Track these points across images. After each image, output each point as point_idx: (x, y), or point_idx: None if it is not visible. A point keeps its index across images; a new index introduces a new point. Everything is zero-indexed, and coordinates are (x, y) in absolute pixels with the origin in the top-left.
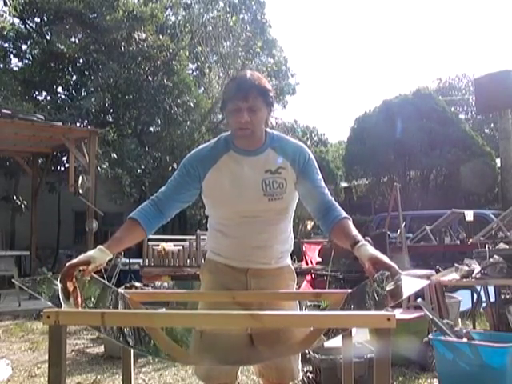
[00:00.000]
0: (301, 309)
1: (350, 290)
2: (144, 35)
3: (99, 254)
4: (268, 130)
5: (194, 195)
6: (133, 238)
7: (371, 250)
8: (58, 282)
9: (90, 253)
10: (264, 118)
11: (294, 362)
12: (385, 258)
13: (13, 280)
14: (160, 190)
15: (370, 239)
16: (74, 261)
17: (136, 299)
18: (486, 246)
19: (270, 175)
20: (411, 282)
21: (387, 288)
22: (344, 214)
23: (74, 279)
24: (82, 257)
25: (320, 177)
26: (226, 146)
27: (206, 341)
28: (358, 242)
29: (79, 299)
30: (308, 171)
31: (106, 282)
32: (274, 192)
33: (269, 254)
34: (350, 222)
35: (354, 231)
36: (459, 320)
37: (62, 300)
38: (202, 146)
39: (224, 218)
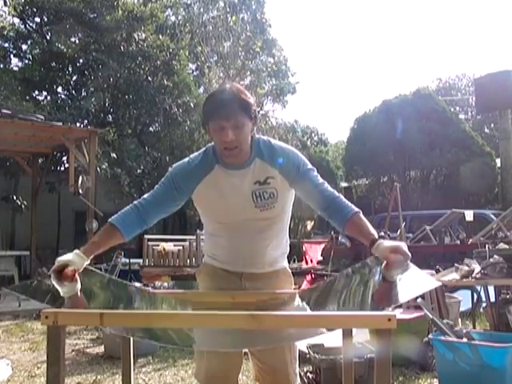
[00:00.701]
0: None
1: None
2: (144, 35)
3: (77, 259)
4: (254, 136)
5: (180, 205)
6: (110, 244)
7: (387, 243)
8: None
9: (68, 257)
10: (249, 133)
11: (290, 367)
12: (403, 246)
13: (5, 288)
14: (145, 197)
15: (385, 233)
16: (54, 266)
17: None
18: (486, 246)
19: (259, 186)
20: (422, 281)
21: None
22: (353, 209)
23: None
24: (61, 261)
25: (315, 173)
26: (214, 159)
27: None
28: (375, 241)
29: (77, 279)
30: (300, 175)
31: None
32: (265, 203)
33: (262, 260)
34: (361, 216)
35: (368, 228)
36: (459, 320)
37: (57, 286)
38: (189, 160)
39: (216, 228)
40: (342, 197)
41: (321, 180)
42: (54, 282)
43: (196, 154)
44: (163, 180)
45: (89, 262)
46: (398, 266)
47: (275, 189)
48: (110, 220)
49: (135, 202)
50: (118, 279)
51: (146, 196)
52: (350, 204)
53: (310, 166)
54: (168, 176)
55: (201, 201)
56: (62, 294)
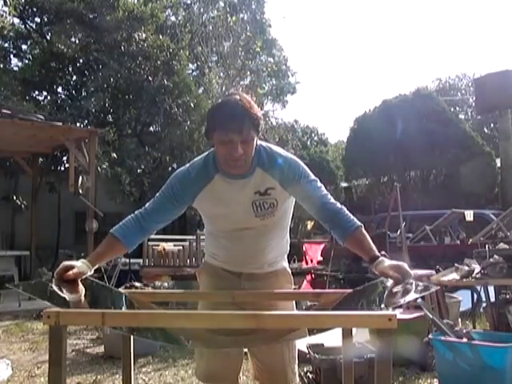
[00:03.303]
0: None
1: (349, 290)
2: (144, 35)
3: (82, 266)
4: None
5: (180, 213)
6: (113, 254)
7: (388, 262)
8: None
9: (73, 262)
10: (255, 145)
11: (289, 366)
12: (404, 265)
13: (8, 285)
14: (146, 206)
15: (385, 253)
16: (57, 269)
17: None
18: (486, 246)
19: (259, 197)
20: (418, 288)
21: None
22: (355, 223)
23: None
24: (66, 264)
25: (318, 183)
26: (215, 169)
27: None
28: (376, 258)
29: (80, 291)
30: (301, 186)
31: (107, 284)
32: (265, 212)
33: (261, 261)
34: (363, 231)
35: (369, 243)
36: (459, 320)
37: (64, 294)
38: (189, 168)
39: (216, 232)
40: (344, 209)
41: (324, 191)
42: (54, 285)
43: (197, 159)
44: (163, 189)
45: (92, 272)
46: (399, 282)
47: (275, 199)
48: (111, 231)
49: (136, 212)
50: (115, 289)
51: (147, 205)
52: (352, 218)
53: (312, 176)
54: (168, 185)
55: (201, 209)
56: (67, 299)
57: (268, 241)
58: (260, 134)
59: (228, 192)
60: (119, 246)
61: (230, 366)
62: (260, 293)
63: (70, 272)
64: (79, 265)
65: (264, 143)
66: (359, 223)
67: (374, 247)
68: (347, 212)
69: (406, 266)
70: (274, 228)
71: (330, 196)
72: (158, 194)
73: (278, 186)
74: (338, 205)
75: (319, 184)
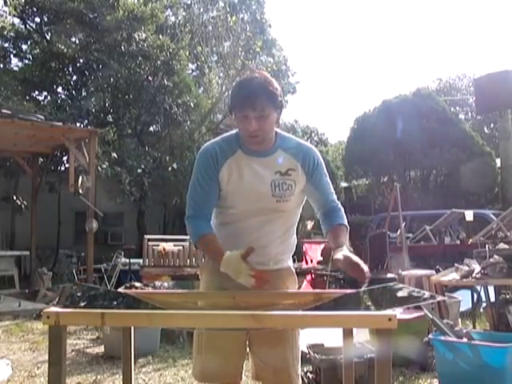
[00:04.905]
0: None
1: (349, 291)
2: (144, 35)
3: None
4: (277, 130)
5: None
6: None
7: (345, 253)
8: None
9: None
10: (274, 122)
11: (292, 367)
12: (360, 262)
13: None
14: (193, 206)
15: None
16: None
17: None
18: (486, 246)
19: (279, 176)
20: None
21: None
22: (342, 221)
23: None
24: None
25: (328, 179)
26: (237, 144)
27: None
28: (339, 246)
29: None
30: (318, 175)
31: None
32: (282, 194)
33: (266, 254)
34: (344, 229)
35: (343, 238)
36: (459, 320)
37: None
38: (213, 143)
39: (226, 216)
40: (342, 209)
41: (332, 188)
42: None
43: (223, 135)
44: (198, 175)
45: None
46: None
47: (294, 181)
48: (205, 233)
49: (190, 215)
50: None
51: (197, 200)
52: (343, 217)
53: (325, 171)
54: (199, 168)
55: (221, 184)
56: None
57: (275, 233)
58: (281, 111)
59: (249, 168)
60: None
61: (228, 364)
62: (260, 293)
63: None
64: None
65: (284, 132)
66: (345, 223)
67: (347, 242)
68: (342, 212)
69: (362, 265)
70: (282, 220)
71: (334, 193)
72: (197, 186)
73: (299, 168)
74: (339, 205)
75: (329, 180)
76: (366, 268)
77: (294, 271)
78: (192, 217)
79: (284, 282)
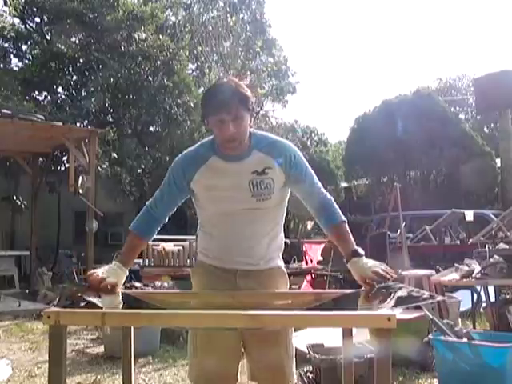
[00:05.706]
0: None
1: (349, 291)
2: (144, 35)
3: (116, 273)
4: (251, 130)
5: (186, 196)
6: (137, 249)
7: (371, 263)
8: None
9: (107, 270)
10: (248, 124)
11: (287, 366)
12: (383, 267)
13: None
14: (154, 198)
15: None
16: (92, 280)
17: None
18: (486, 246)
19: (256, 176)
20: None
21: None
22: (342, 216)
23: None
24: (102, 274)
25: (310, 171)
26: (211, 150)
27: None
28: (356, 255)
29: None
30: (297, 169)
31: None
32: (261, 192)
33: (256, 254)
34: (347, 227)
35: (351, 239)
36: (459, 320)
37: (94, 300)
38: (187, 151)
39: (211, 218)
40: (332, 200)
41: (316, 179)
42: (91, 297)
43: (201, 142)
44: (166, 178)
45: (127, 274)
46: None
47: (272, 179)
48: (129, 228)
49: (147, 203)
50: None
51: (155, 196)
52: (338, 211)
53: (306, 165)
54: (169, 173)
55: (198, 189)
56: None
57: (261, 230)
58: (252, 113)
59: (225, 173)
60: (138, 240)
61: (224, 366)
62: (259, 293)
63: (105, 284)
64: (114, 273)
65: (259, 131)
66: (343, 218)
67: (354, 244)
68: (335, 204)
69: (383, 267)
70: (267, 216)
71: (320, 184)
72: (162, 185)
73: (275, 166)
74: (328, 195)
75: (311, 171)
76: (390, 269)
77: (285, 272)
78: (146, 207)
79: (275, 282)
